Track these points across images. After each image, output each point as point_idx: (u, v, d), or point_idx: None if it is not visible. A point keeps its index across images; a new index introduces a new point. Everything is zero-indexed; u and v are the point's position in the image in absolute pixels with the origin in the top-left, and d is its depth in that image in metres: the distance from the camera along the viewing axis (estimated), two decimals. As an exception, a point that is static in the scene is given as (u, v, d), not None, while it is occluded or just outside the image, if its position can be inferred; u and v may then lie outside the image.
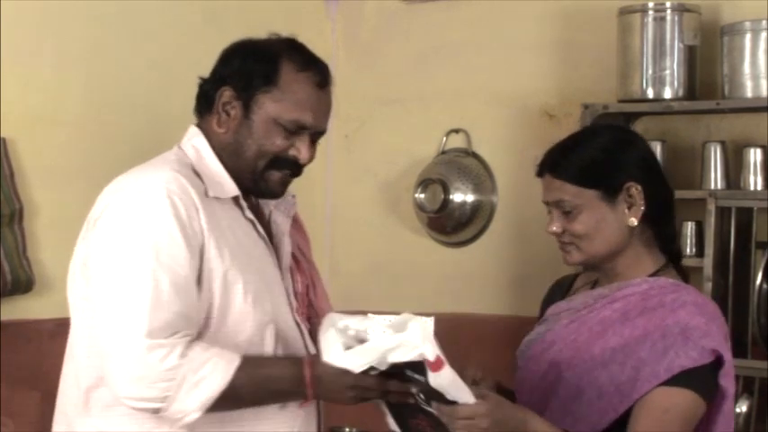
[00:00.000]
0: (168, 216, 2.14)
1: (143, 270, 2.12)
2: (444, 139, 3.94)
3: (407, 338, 2.04)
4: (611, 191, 2.29)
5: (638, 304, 2.27)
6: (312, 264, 2.45)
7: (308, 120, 2.25)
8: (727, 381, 2.23)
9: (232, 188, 2.26)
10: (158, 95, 3.46)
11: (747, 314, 3.08)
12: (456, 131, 3.93)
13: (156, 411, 2.12)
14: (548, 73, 3.74)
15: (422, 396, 2.10)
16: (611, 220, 2.29)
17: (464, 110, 3.91)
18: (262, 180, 2.26)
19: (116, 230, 2.17)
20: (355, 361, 2.08)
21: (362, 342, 2.08)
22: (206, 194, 2.21)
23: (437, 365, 2.04)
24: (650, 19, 3.33)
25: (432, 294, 3.63)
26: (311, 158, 2.29)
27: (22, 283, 3.23)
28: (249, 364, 2.13)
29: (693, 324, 2.21)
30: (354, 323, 2.10)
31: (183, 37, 3.56)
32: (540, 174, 2.35)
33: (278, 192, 2.30)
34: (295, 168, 2.28)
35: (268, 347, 2.22)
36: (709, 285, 3.12)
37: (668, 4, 3.32)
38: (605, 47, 3.46)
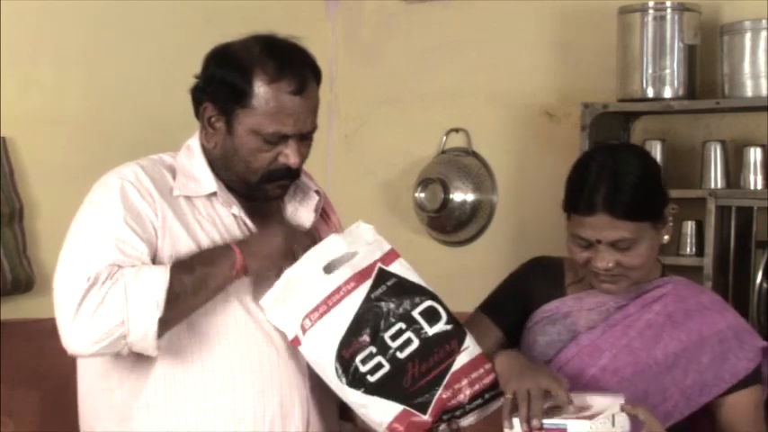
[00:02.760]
0: (114, 199, 2.18)
1: (85, 227, 2.18)
2: (444, 138, 3.94)
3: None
4: (659, 218, 2.27)
5: (678, 306, 2.29)
6: None
7: (288, 129, 2.20)
8: None
9: (209, 186, 2.25)
10: (158, 95, 3.46)
11: (747, 313, 3.07)
12: (456, 131, 3.93)
13: (124, 342, 2.09)
14: (548, 72, 3.74)
15: None
16: (656, 243, 2.28)
17: (464, 109, 3.92)
18: (258, 191, 2.26)
19: (72, 227, 2.23)
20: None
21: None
22: (171, 193, 2.22)
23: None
24: (650, 18, 3.33)
25: (432, 294, 3.64)
26: (304, 158, 2.26)
27: (22, 283, 3.24)
28: (182, 261, 2.15)
29: (741, 326, 2.30)
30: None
31: (183, 37, 3.56)
32: (588, 212, 2.22)
33: (277, 195, 2.29)
34: (289, 174, 2.25)
35: (233, 338, 2.20)
36: (709, 285, 3.12)
37: (668, 4, 3.33)
38: (605, 46, 3.47)
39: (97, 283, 2.09)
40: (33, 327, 3.15)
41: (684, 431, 2.24)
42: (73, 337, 2.11)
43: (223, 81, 2.21)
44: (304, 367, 2.23)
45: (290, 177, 2.26)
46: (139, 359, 2.19)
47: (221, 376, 2.18)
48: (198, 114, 2.27)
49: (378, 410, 2.12)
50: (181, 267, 2.13)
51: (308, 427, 2.25)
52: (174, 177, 2.25)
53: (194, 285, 2.14)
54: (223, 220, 2.25)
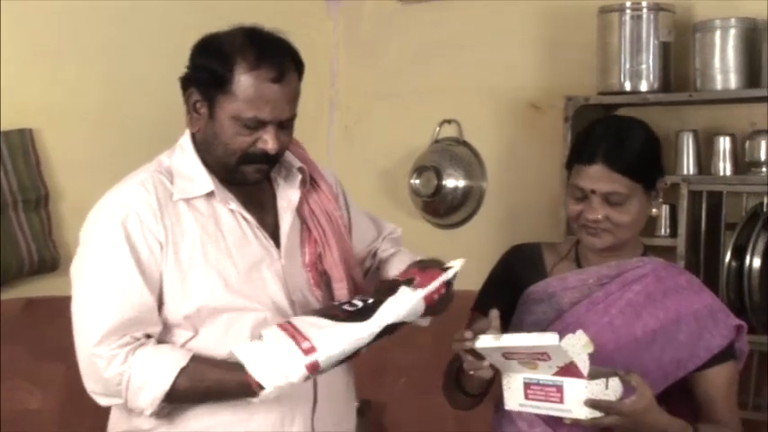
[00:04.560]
0: (119, 240, 2.14)
1: (93, 284, 2.16)
2: (437, 129, 3.94)
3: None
4: (651, 184, 2.26)
5: (657, 286, 2.27)
6: (330, 226, 2.33)
7: (266, 115, 2.15)
8: (744, 344, 2.32)
9: (206, 185, 2.21)
10: (172, 90, 3.43)
11: (717, 290, 3.07)
12: (448, 122, 3.93)
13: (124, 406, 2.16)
14: (533, 68, 3.75)
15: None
16: (645, 210, 2.27)
17: (456, 102, 3.92)
18: (237, 173, 2.21)
19: (80, 251, 2.21)
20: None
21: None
22: (172, 198, 2.20)
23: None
24: (628, 17, 3.33)
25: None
26: (282, 146, 2.21)
27: (47, 263, 3.26)
28: (195, 368, 2.11)
29: (716, 306, 2.29)
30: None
31: (193, 36, 3.56)
32: (589, 161, 2.21)
33: (255, 180, 2.24)
34: (266, 159, 2.20)
35: (255, 332, 2.15)
36: (681, 263, 3.12)
37: (644, 4, 3.33)
38: (586, 43, 3.47)
39: (103, 360, 2.11)
40: (59, 303, 3.13)
41: (662, 404, 2.20)
42: (84, 381, 2.18)
43: (206, 68, 2.18)
44: None
45: (267, 162, 2.21)
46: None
47: None
48: (185, 100, 2.25)
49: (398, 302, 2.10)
50: (190, 376, 2.11)
51: (313, 428, 2.25)
52: (172, 181, 2.22)
53: (197, 393, 2.13)
54: (223, 217, 2.22)
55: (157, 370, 2.10)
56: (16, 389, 3.20)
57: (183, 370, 2.10)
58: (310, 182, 2.34)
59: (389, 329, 2.08)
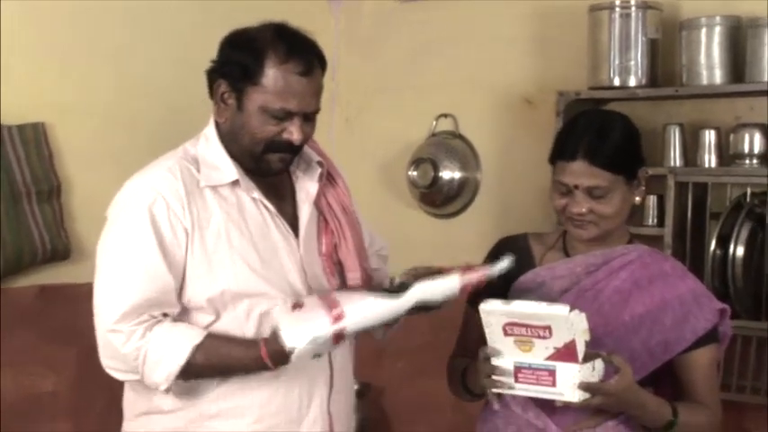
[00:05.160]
0: (144, 224, 2.16)
1: (117, 265, 2.17)
2: (434, 122, 3.94)
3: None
4: (632, 175, 2.28)
5: (642, 273, 2.29)
6: (346, 219, 2.37)
7: (294, 107, 2.19)
8: (727, 327, 2.34)
9: (231, 174, 2.24)
10: (179, 87, 3.47)
11: (702, 277, 3.09)
12: (445, 116, 3.93)
13: (139, 381, 2.18)
14: (526, 64, 3.75)
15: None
16: (629, 200, 2.29)
17: (452, 97, 3.92)
18: (262, 162, 2.24)
19: (106, 231, 2.23)
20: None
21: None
22: (198, 185, 2.22)
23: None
24: (617, 15, 3.33)
25: (424, 260, 3.64)
26: (306, 137, 2.25)
27: (59, 252, 3.27)
28: (210, 344, 2.14)
29: (700, 290, 2.31)
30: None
31: (199, 34, 3.55)
32: (571, 158, 2.24)
33: (278, 170, 2.27)
34: (290, 149, 2.24)
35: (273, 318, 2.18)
36: (669, 252, 3.12)
37: (633, 2, 3.31)
38: (577, 41, 3.47)
39: (122, 335, 2.13)
40: (70, 290, 3.19)
41: (649, 385, 2.26)
42: (100, 356, 2.19)
43: (237, 62, 2.21)
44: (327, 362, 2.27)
45: (290, 152, 2.25)
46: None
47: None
48: (212, 92, 2.27)
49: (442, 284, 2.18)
50: (206, 352, 2.13)
51: (329, 410, 2.29)
52: (198, 168, 2.24)
53: (212, 369, 2.16)
54: (246, 205, 2.25)
55: (174, 346, 2.12)
56: (30, 373, 3.22)
57: (198, 346, 2.12)
58: (327, 176, 2.37)
59: (422, 307, 2.16)
